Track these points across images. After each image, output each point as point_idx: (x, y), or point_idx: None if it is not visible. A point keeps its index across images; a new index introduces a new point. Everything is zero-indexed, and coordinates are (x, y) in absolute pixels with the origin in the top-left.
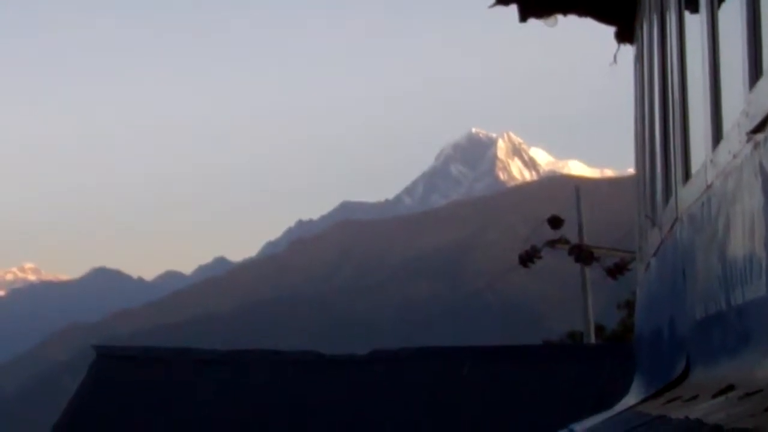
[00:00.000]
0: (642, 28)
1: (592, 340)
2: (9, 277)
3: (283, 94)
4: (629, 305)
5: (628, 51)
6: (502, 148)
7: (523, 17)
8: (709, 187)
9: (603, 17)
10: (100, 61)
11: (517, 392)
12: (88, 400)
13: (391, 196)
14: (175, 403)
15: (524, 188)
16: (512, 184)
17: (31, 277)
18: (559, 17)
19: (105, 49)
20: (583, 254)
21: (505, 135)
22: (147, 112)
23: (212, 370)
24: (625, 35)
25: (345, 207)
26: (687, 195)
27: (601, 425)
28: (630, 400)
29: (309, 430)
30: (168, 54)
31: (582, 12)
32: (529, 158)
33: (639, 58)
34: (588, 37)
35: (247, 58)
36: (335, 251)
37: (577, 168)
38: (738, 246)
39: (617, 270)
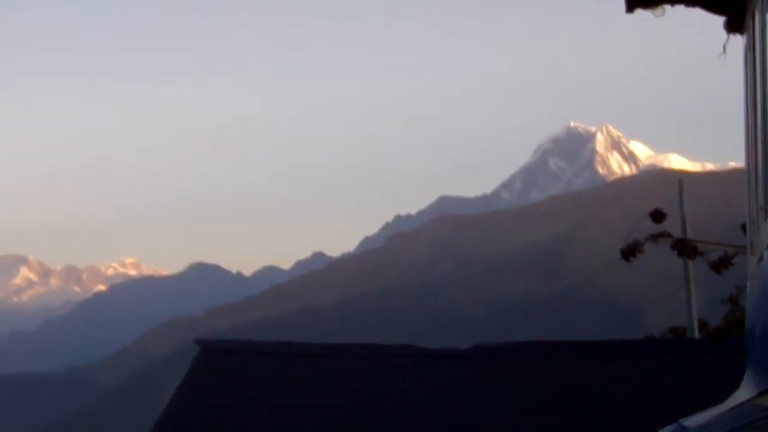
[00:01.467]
0: (753, 17)
1: (696, 335)
2: (110, 272)
3: (381, 89)
4: (733, 300)
5: (738, 42)
6: (600, 142)
7: (630, 7)
8: None
9: (712, 7)
10: (199, 58)
11: (620, 387)
12: (191, 394)
13: (489, 191)
14: (278, 397)
15: (623, 182)
16: (611, 178)
17: (132, 272)
18: (667, 7)
19: (218, 46)
20: (686, 248)
21: (604, 129)
22: (247, 109)
23: (314, 364)
24: (734, 25)
25: (443, 202)
26: None
27: (718, 419)
28: (742, 394)
29: (410, 424)
30: (272, 50)
31: (690, 2)
32: (629, 152)
33: (750, 49)
34: (695, 27)
35: (344, 53)
36: (433, 246)
37: (677, 161)
38: None
39: (722, 264)
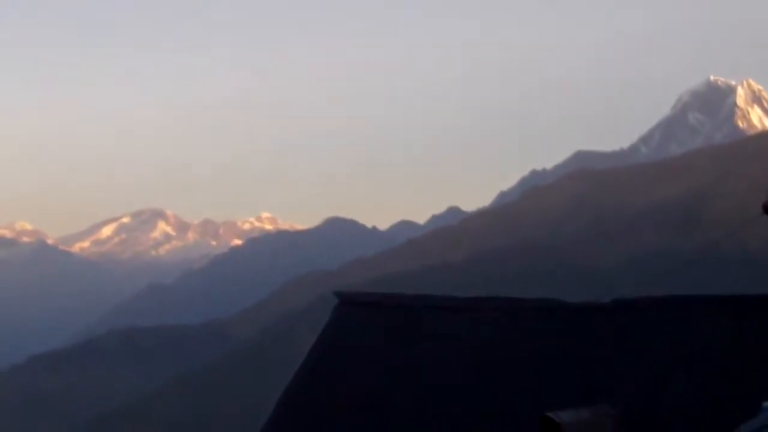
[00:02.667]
0: None
1: None
2: (247, 227)
3: (520, 42)
4: None
5: None
6: (741, 96)
7: None
8: None
9: None
10: (339, 10)
11: (764, 343)
12: (330, 345)
13: (626, 145)
14: (416, 349)
15: (764, 137)
16: (751, 132)
17: (268, 227)
18: None
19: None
20: None
21: (745, 82)
22: (382, 60)
23: (452, 318)
24: None
25: (579, 156)
26: None
27: None
28: None
29: (549, 379)
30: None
31: None
32: None
33: None
34: None
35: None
36: (569, 201)
37: None
38: None
39: None
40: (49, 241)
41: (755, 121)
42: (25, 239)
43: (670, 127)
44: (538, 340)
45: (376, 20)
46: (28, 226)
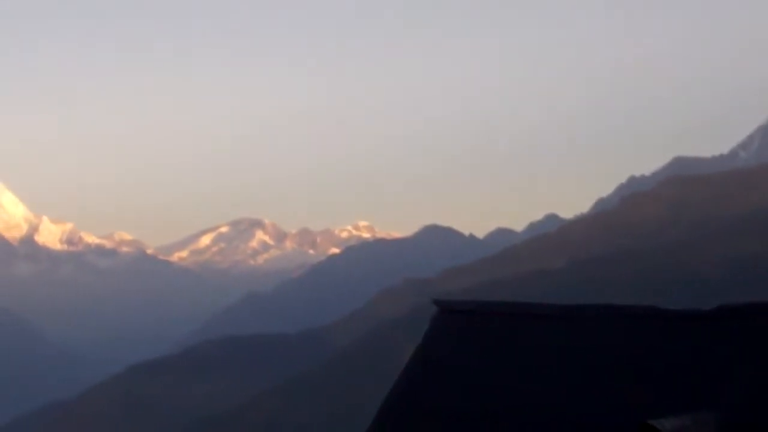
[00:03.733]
0: None
1: None
2: (344, 235)
3: (618, 45)
4: None
5: None
6: None
7: None
8: None
9: None
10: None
11: None
12: (430, 354)
13: (725, 150)
14: (517, 357)
15: None
16: None
17: (366, 235)
18: None
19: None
20: None
21: None
22: (480, 67)
23: (552, 325)
24: None
25: (678, 162)
26: None
27: None
28: None
29: (650, 387)
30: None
31: None
32: None
33: None
34: None
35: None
36: (668, 207)
37: None
38: None
39: None
40: (149, 251)
41: None
42: (125, 249)
43: None
44: (638, 347)
45: (473, 24)
46: (128, 237)
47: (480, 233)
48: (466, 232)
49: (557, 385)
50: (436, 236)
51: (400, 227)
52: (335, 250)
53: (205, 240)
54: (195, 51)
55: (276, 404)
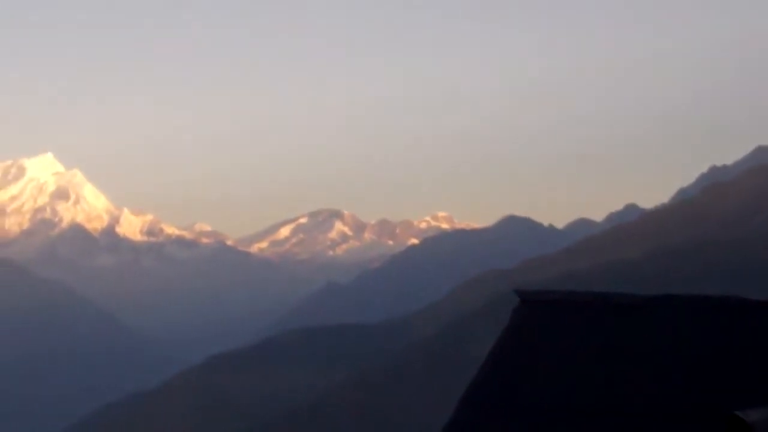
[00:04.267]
0: None
1: None
2: (423, 225)
3: (697, 36)
4: None
5: None
6: None
7: None
8: None
9: None
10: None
11: None
12: (512, 345)
13: None
14: (602, 349)
15: None
16: None
17: (444, 226)
18: None
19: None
20: None
21: None
22: (555, 60)
23: (635, 316)
24: None
25: (761, 152)
26: None
27: None
28: None
29: (735, 378)
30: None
31: None
32: None
33: None
34: None
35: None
36: (751, 197)
37: None
38: None
39: None
40: (228, 243)
41: None
42: (205, 240)
43: None
44: (721, 337)
45: (558, 14)
46: (208, 228)
47: (559, 224)
48: (546, 223)
49: (640, 376)
50: (515, 227)
51: (478, 218)
52: (414, 241)
53: (285, 231)
54: (277, 47)
55: (357, 395)
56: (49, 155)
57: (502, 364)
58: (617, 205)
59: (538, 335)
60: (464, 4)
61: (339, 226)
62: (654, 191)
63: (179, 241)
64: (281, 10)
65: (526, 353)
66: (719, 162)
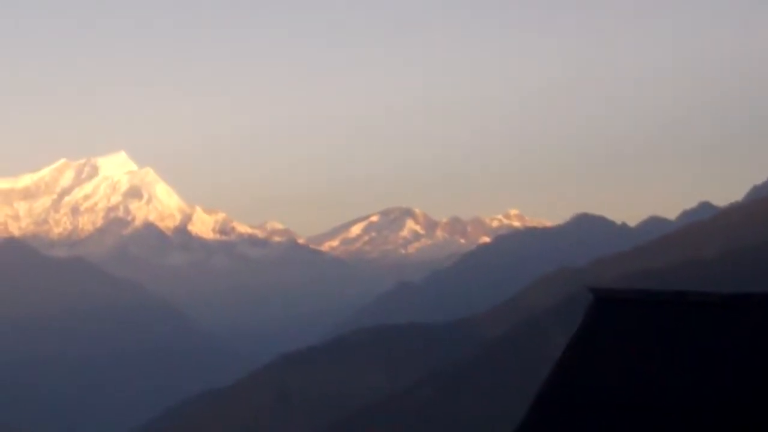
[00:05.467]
0: None
1: None
2: (495, 224)
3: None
4: None
5: None
6: None
7: None
8: None
9: None
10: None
11: None
12: (586, 344)
13: None
14: (677, 347)
15: None
16: None
17: (516, 224)
18: None
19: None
20: None
21: None
22: (631, 53)
23: (710, 314)
24: None
25: None
26: None
27: None
28: None
29: None
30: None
31: None
32: None
33: None
34: None
35: None
36: None
37: None
38: None
39: None
40: (300, 241)
41: None
42: (277, 239)
43: None
44: None
45: (619, 10)
46: (279, 226)
47: (632, 222)
48: (618, 221)
49: (714, 375)
50: (587, 225)
51: (550, 216)
52: (486, 239)
53: (356, 229)
54: (342, 40)
55: (427, 395)
56: (122, 154)
57: (576, 362)
58: (691, 203)
59: (613, 333)
60: (517, 7)
61: (410, 224)
62: (728, 189)
63: (251, 239)
64: (350, 6)
65: (601, 351)
66: None
